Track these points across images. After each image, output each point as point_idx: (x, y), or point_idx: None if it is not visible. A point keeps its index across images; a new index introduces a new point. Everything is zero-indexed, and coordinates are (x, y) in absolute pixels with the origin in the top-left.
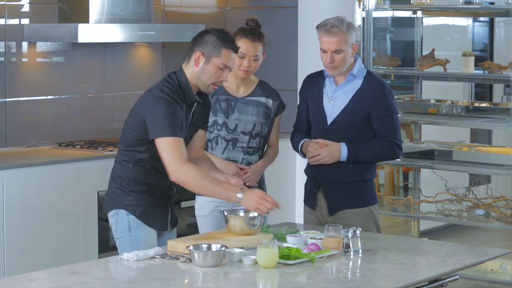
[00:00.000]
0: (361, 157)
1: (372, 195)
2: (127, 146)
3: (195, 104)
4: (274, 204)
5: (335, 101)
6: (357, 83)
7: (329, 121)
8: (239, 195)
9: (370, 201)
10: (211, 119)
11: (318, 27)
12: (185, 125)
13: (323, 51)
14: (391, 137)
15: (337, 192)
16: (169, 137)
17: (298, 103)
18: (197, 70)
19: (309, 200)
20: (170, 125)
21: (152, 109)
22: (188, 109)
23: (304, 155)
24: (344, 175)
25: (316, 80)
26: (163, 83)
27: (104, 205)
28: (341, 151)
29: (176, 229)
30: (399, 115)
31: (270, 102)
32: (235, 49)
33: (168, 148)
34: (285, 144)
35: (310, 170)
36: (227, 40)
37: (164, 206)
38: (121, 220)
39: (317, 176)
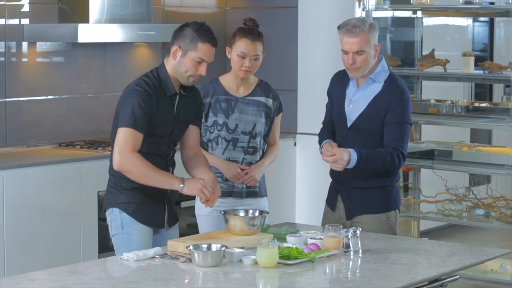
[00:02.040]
0: (368, 165)
1: (391, 200)
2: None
3: (177, 97)
4: (210, 198)
5: (354, 104)
6: (377, 88)
7: (348, 125)
8: (181, 185)
9: (387, 207)
10: (211, 119)
11: (339, 27)
12: (168, 117)
13: (345, 52)
14: (397, 144)
15: (354, 197)
16: (128, 128)
17: (298, 105)
18: (175, 63)
19: (330, 201)
20: (133, 116)
21: (125, 101)
22: (170, 102)
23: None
24: (361, 180)
25: (342, 79)
26: (141, 77)
27: (103, 205)
28: (350, 159)
29: (178, 226)
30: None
31: (270, 101)
32: (213, 43)
33: (122, 137)
34: (285, 144)
35: (332, 172)
36: (203, 34)
37: (159, 203)
38: (114, 218)
39: (337, 179)
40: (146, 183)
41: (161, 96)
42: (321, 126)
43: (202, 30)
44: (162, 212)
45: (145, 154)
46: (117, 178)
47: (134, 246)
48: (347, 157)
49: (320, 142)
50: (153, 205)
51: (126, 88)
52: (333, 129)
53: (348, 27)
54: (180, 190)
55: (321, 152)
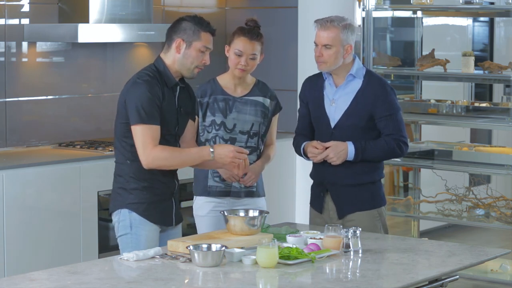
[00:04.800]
0: (368, 155)
1: (381, 196)
2: (121, 141)
3: (178, 89)
4: (244, 153)
5: (336, 103)
6: (357, 83)
7: (332, 124)
8: (211, 150)
9: (378, 203)
10: (209, 119)
11: (316, 20)
12: (171, 108)
13: (316, 44)
14: (396, 135)
15: (346, 195)
16: (142, 124)
17: (298, 106)
18: (179, 56)
19: (316, 204)
20: (143, 110)
21: (131, 94)
22: (172, 93)
23: (308, 158)
24: (351, 177)
25: (315, 83)
26: (140, 71)
27: (109, 207)
28: (348, 150)
29: (181, 225)
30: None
31: (267, 101)
32: (213, 32)
33: (140, 136)
34: (284, 144)
35: (316, 174)
36: (203, 24)
37: (167, 201)
38: (123, 218)
39: (324, 180)
40: (179, 168)
41: (164, 87)
42: None
43: (200, 20)
44: (171, 210)
45: None
46: (125, 179)
47: (142, 246)
48: (345, 145)
49: (298, 148)
50: (162, 203)
51: (126, 84)
52: (309, 134)
53: (323, 21)
54: (211, 159)
55: (304, 156)
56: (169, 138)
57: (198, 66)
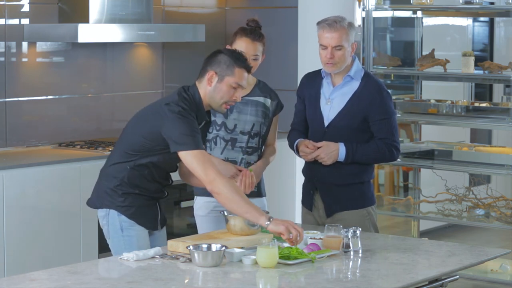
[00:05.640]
0: (359, 157)
1: (369, 196)
2: (131, 150)
3: (203, 123)
4: (300, 235)
5: (332, 102)
6: (355, 85)
7: (326, 123)
8: (267, 222)
9: (367, 202)
10: None
11: (318, 23)
12: None
13: (323, 47)
14: (389, 139)
15: (334, 194)
16: (195, 150)
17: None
18: (210, 89)
19: (307, 201)
20: (195, 138)
21: (174, 125)
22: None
23: (300, 155)
24: (341, 177)
25: (313, 80)
26: (181, 99)
27: (90, 201)
28: (339, 151)
29: (165, 228)
30: (398, 114)
31: (268, 101)
32: (248, 68)
33: (198, 161)
34: (285, 144)
35: (307, 171)
36: (239, 60)
37: (154, 206)
38: (112, 221)
39: (314, 178)
40: (232, 209)
41: (196, 120)
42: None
43: (237, 55)
44: (156, 214)
45: (153, 169)
46: (118, 181)
47: (134, 248)
48: (336, 146)
49: (291, 143)
50: (150, 208)
51: (165, 107)
52: (304, 130)
53: (328, 21)
54: (265, 226)
55: (296, 152)
56: (173, 161)
57: (228, 102)
